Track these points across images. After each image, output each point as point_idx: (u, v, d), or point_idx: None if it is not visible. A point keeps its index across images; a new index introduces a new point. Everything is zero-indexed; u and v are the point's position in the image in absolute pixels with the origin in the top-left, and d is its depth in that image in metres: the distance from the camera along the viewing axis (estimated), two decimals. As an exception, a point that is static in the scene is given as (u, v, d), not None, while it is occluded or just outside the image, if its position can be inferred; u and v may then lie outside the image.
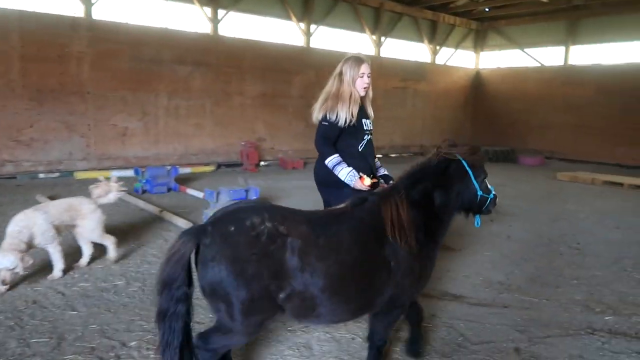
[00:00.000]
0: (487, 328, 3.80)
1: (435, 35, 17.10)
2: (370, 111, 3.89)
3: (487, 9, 16.87)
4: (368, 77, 3.72)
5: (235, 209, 2.57)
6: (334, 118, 3.60)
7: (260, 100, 12.61)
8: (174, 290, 2.38)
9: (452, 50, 17.95)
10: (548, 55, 16.66)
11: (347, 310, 2.66)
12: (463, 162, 2.88)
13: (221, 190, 6.60)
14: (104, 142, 10.42)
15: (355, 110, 3.65)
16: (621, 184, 10.93)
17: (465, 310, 4.14)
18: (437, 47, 17.28)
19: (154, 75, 10.84)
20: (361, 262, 2.60)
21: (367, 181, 3.54)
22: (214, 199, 6.50)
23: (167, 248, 2.55)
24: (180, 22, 11.48)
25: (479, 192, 2.92)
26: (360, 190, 3.49)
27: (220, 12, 11.88)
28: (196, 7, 11.49)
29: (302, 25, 13.50)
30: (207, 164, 11.53)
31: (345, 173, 3.57)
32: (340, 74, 3.71)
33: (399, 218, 2.68)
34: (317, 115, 3.72)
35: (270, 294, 2.42)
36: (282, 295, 2.44)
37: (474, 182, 2.89)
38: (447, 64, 17.86)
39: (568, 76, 15.83)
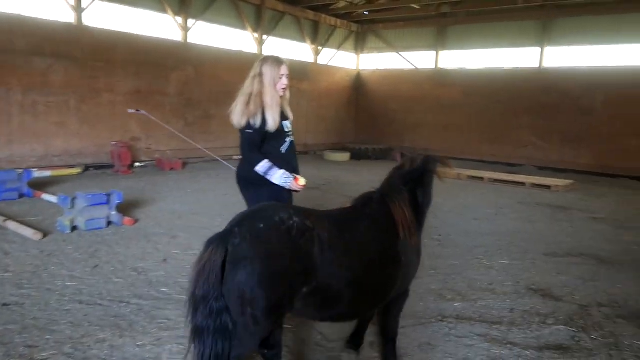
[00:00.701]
0: (345, 324, 3.84)
1: (318, 36, 17.40)
2: (289, 113, 3.82)
3: (365, 12, 17.53)
4: (287, 78, 3.66)
5: (258, 209, 2.61)
6: (258, 123, 3.52)
7: (133, 97, 11.83)
8: (212, 302, 2.31)
9: (334, 51, 18.39)
10: (421, 59, 17.74)
11: (366, 303, 2.82)
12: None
13: (77, 195, 6.03)
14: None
15: (278, 115, 3.60)
16: (482, 178, 11.95)
17: (327, 307, 4.16)
18: (320, 48, 17.60)
19: (5, 68, 9.66)
20: (380, 257, 2.75)
21: (302, 181, 3.60)
22: (68, 204, 5.92)
23: (195, 261, 2.40)
24: (37, 8, 10.38)
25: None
26: (281, 191, 3.60)
27: (85, 0, 10.94)
28: (56, -6, 10.47)
29: (179, 19, 12.93)
30: (72, 166, 10.55)
31: (279, 176, 3.55)
32: (260, 74, 3.58)
33: (407, 217, 2.91)
34: (239, 120, 3.58)
35: (295, 290, 2.43)
36: (305, 290, 2.45)
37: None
38: (330, 64, 18.26)
39: (438, 79, 16.99)
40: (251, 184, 3.71)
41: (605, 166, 13.59)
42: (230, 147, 13.90)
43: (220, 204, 8.06)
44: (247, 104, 3.56)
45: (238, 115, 3.58)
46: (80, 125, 10.93)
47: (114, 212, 6.32)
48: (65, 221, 5.89)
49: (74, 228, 5.97)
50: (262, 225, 2.40)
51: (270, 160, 3.59)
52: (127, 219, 6.45)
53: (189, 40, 13.13)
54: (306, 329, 3.74)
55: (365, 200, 2.98)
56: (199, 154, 13.40)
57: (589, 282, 4.99)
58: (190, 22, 13.15)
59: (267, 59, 3.65)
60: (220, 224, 6.68)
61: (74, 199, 5.98)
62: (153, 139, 12.36)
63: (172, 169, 11.67)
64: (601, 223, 7.77)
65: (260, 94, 3.55)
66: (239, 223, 2.44)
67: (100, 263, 4.99)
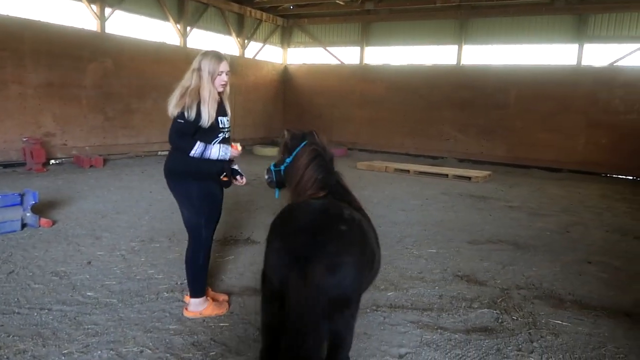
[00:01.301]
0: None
1: (243, 29, 17.12)
2: (228, 109, 3.81)
3: (291, 7, 17.48)
4: (227, 75, 3.65)
5: (322, 209, 2.57)
6: (192, 116, 3.46)
7: (45, 90, 11.02)
8: (323, 324, 2.32)
9: (260, 44, 18.20)
10: (347, 54, 18.00)
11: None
12: None
13: (-14, 196, 5.55)
14: None
15: (214, 110, 3.57)
16: (408, 171, 12.39)
17: (263, 303, 4.14)
18: (246, 41, 17.34)
19: None
20: None
21: (239, 146, 3.73)
22: (-24, 206, 5.43)
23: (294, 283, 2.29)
24: None
25: None
26: (211, 184, 3.68)
27: (-13, -15, 10.03)
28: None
29: (95, 7, 12.20)
30: (-23, 165, 9.68)
31: (217, 150, 3.60)
32: (199, 69, 3.55)
33: None
34: (172, 110, 3.55)
35: None
36: None
37: None
38: (256, 58, 18.06)
39: (363, 74, 17.34)
40: (181, 177, 3.64)
41: (518, 158, 14.58)
42: (154, 143, 13.42)
43: (146, 201, 7.74)
44: (183, 95, 3.52)
45: (172, 106, 3.57)
46: (-15, 120, 10.03)
47: (28, 214, 5.87)
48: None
49: (-17, 232, 5.49)
50: (344, 227, 2.45)
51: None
52: (44, 220, 6.01)
53: (106, 30, 12.43)
54: (243, 326, 3.69)
55: (341, 189, 3.07)
56: (120, 150, 12.81)
57: (508, 266, 5.35)
58: (108, 11, 12.45)
59: (207, 54, 3.61)
60: (147, 222, 6.46)
61: (-18, 201, 5.49)
62: (69, 135, 11.61)
63: (91, 166, 11.02)
64: (516, 211, 8.34)
65: (197, 88, 3.52)
66: (314, 233, 2.37)
67: (15, 268, 4.62)
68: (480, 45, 15.52)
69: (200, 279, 3.83)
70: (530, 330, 3.77)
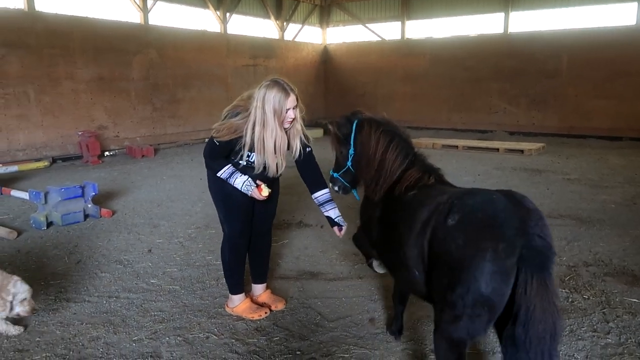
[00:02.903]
0: (343, 302, 3.83)
1: (282, 12, 17.01)
2: (298, 146, 3.31)
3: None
4: (294, 110, 3.13)
5: (518, 200, 2.17)
6: (235, 147, 3.15)
7: (96, 84, 11.36)
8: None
9: (299, 26, 18.05)
10: (387, 30, 17.59)
11: None
12: None
13: (50, 189, 5.78)
14: None
15: (275, 160, 3.18)
16: (456, 147, 12.07)
17: (322, 287, 4.13)
18: (285, 24, 17.23)
19: (-45, 60, 9.12)
20: None
21: (265, 191, 3.23)
22: (41, 200, 5.66)
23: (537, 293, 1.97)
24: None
25: None
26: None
27: (36, -15, 10.34)
28: (3, -21, 9.85)
29: (137, 0, 12.39)
30: (38, 160, 10.13)
31: (241, 182, 3.21)
32: (263, 106, 3.04)
33: None
34: (217, 125, 3.17)
35: None
36: None
37: None
38: (296, 40, 17.94)
39: (406, 49, 16.91)
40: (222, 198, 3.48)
41: (573, 127, 13.91)
42: (200, 130, 13.64)
43: (198, 188, 7.88)
44: (244, 117, 3.12)
45: (225, 131, 3.15)
46: (43, 116, 10.45)
47: (90, 205, 6.09)
48: (39, 217, 5.64)
49: (49, 224, 5.73)
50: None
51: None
52: (104, 211, 6.23)
53: (149, 22, 12.63)
54: (304, 310, 3.70)
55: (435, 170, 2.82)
56: (169, 139, 13.11)
57: (573, 242, 5.11)
58: (150, 2, 12.63)
59: (271, 87, 3.06)
60: (201, 210, 6.57)
61: (46, 194, 5.72)
62: (120, 126, 11.96)
63: (143, 156, 11.34)
64: (576, 183, 7.96)
65: (263, 130, 3.08)
66: (522, 220, 2.05)
67: (82, 258, 4.81)
68: (528, 11, 14.78)
69: (228, 275, 3.64)
70: (605, 310, 3.58)
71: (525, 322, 1.95)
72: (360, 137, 2.90)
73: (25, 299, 3.26)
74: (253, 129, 3.08)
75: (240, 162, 3.27)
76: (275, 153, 3.16)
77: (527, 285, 1.95)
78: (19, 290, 3.24)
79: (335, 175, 3.15)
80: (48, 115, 10.53)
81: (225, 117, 3.22)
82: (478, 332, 2.12)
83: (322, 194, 3.41)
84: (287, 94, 3.07)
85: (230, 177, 3.23)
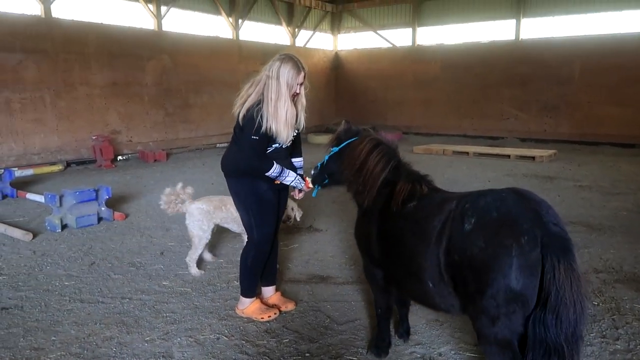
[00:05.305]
0: (353, 306, 3.86)
1: (293, 18, 17.15)
2: (302, 121, 3.52)
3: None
4: (300, 87, 3.36)
5: (527, 197, 2.23)
6: (268, 132, 3.25)
7: (110, 89, 11.55)
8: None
9: (310, 32, 18.17)
10: (398, 36, 17.65)
11: None
12: None
13: (65, 193, 5.89)
14: None
15: (292, 130, 3.41)
16: (467, 153, 12.05)
17: (332, 290, 4.17)
18: (296, 30, 17.37)
19: (-26, 65, 9.33)
20: None
21: (310, 184, 3.54)
22: (56, 202, 5.77)
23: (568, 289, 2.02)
24: (1, 2, 9.97)
25: None
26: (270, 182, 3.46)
27: (53, -8, 10.56)
28: (22, -14, 10.07)
29: (151, 7, 12.58)
30: (53, 164, 10.30)
31: (293, 177, 3.50)
32: (277, 78, 3.22)
33: None
34: (244, 121, 3.28)
35: None
36: None
37: None
38: (307, 46, 18.06)
39: (416, 56, 16.95)
40: (231, 174, 3.54)
41: (585, 134, 13.83)
42: (212, 135, 13.78)
43: (209, 193, 7.92)
44: (259, 104, 3.25)
45: (242, 113, 3.31)
46: (58, 121, 10.64)
47: (103, 208, 6.19)
48: (54, 220, 5.75)
49: (64, 226, 5.84)
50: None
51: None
52: (117, 214, 6.33)
53: (163, 28, 12.81)
54: (313, 313, 3.74)
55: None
56: (181, 144, 13.25)
57: (583, 249, 5.08)
58: (163, 9, 12.82)
59: (285, 60, 3.29)
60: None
61: (61, 197, 5.83)
62: (133, 131, 12.13)
63: (156, 160, 11.47)
64: (587, 190, 7.92)
65: (276, 104, 3.23)
66: (534, 218, 2.11)
67: (96, 260, 4.90)
68: (540, 18, 14.76)
69: (245, 279, 3.68)
70: (614, 316, 3.58)
71: (556, 306, 1.99)
72: (351, 144, 3.08)
73: None
74: (269, 95, 3.24)
75: (272, 146, 3.40)
76: (286, 121, 3.29)
77: (555, 271, 1.99)
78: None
79: (317, 165, 3.39)
80: (63, 120, 10.72)
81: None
82: (518, 328, 2.13)
83: (297, 161, 3.73)
84: (299, 71, 3.30)
85: (280, 174, 3.41)
